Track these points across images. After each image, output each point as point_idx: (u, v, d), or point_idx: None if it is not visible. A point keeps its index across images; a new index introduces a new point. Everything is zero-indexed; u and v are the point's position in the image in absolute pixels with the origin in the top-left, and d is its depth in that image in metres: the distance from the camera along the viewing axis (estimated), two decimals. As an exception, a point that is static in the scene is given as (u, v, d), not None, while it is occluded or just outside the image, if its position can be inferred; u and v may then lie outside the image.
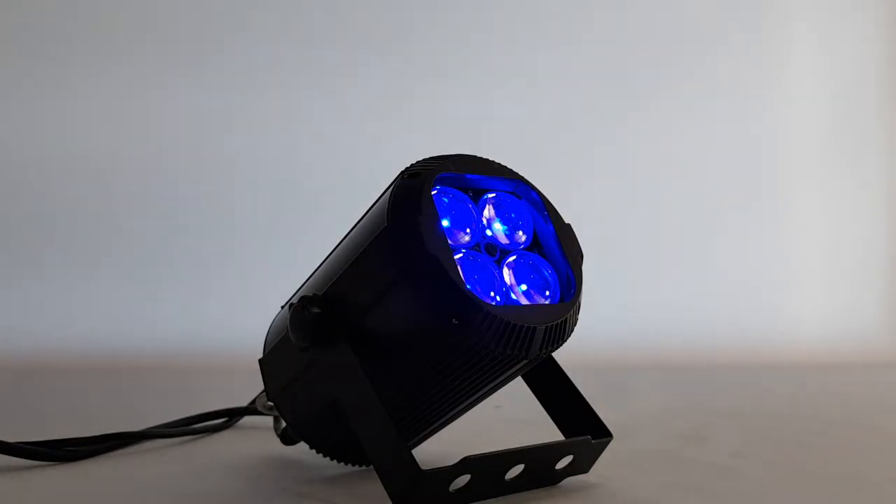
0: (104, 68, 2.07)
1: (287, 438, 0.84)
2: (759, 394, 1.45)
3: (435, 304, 0.57)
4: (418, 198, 0.59)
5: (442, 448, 0.78)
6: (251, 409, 1.05)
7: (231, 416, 1.05)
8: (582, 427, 0.71)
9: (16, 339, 1.93)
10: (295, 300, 0.66)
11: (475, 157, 0.66)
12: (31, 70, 2.05)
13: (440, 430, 0.75)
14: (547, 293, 0.65)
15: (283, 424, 0.84)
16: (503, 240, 0.66)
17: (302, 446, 0.81)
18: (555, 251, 0.66)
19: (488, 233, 0.66)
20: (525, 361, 0.62)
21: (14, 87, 2.06)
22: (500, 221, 0.66)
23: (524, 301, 0.64)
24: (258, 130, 2.09)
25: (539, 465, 0.66)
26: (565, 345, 0.63)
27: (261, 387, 0.79)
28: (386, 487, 0.60)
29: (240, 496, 0.70)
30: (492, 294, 0.62)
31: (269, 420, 1.03)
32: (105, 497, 0.70)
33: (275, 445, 0.86)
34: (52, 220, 2.06)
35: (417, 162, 0.64)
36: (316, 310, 0.62)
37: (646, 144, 2.12)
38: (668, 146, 2.12)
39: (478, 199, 0.66)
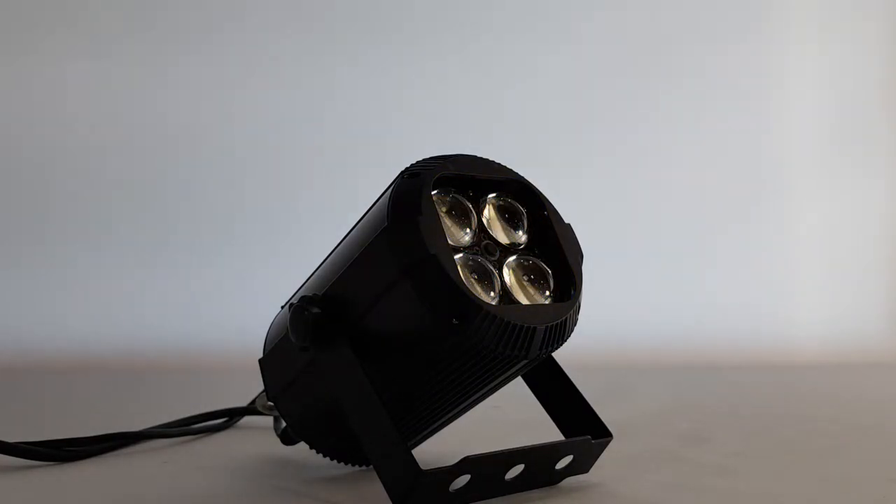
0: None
1: (287, 438, 0.84)
2: (759, 394, 1.45)
3: (435, 305, 0.57)
4: (418, 198, 0.59)
5: (442, 448, 0.78)
6: (251, 409, 1.05)
7: (231, 416, 1.05)
8: (582, 427, 0.71)
9: (16, 339, 1.93)
10: (295, 300, 0.66)
11: (475, 157, 0.66)
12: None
13: (440, 430, 0.75)
14: (547, 293, 0.65)
15: (283, 424, 0.84)
16: (503, 240, 0.66)
17: (302, 446, 0.81)
18: (555, 251, 0.66)
19: (488, 233, 0.66)
20: (525, 361, 0.62)
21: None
22: (500, 221, 0.66)
23: (524, 301, 0.64)
24: (257, 128, 2.09)
25: (539, 465, 0.66)
26: (565, 345, 0.63)
27: (261, 387, 0.79)
28: (386, 487, 0.60)
29: (240, 496, 0.70)
30: (491, 294, 0.62)
31: (269, 420, 1.03)
32: (105, 497, 0.70)
33: (275, 445, 0.86)
34: (51, 220, 2.06)
35: (417, 162, 0.64)
36: (316, 310, 0.62)
37: (647, 145, 2.12)
38: (668, 147, 2.12)
39: (478, 200, 0.66)
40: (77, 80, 2.07)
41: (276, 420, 0.92)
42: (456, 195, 0.64)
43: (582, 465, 0.70)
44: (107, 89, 2.07)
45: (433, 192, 0.61)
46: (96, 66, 2.07)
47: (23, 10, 2.07)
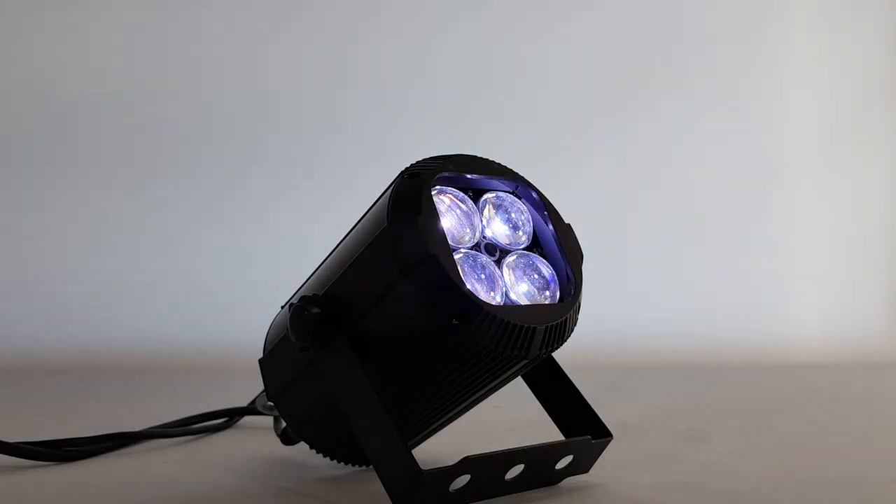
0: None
1: (287, 438, 0.84)
2: (759, 394, 1.45)
3: (435, 305, 0.57)
4: (418, 198, 0.59)
5: (442, 448, 0.78)
6: (251, 409, 1.05)
7: (231, 416, 1.05)
8: (582, 427, 0.71)
9: (16, 339, 1.93)
10: (295, 300, 0.66)
11: (475, 157, 0.66)
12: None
13: (440, 430, 0.75)
14: (547, 293, 0.65)
15: (283, 424, 0.84)
16: (503, 240, 0.66)
17: (302, 446, 0.81)
18: (555, 251, 0.66)
19: (488, 233, 0.66)
20: (525, 361, 0.62)
21: None
22: (500, 221, 0.66)
23: (524, 301, 0.64)
24: (257, 129, 2.09)
25: (539, 465, 0.66)
26: (565, 345, 0.63)
27: (261, 387, 0.80)
28: (386, 487, 0.60)
29: (240, 496, 0.70)
30: (492, 294, 0.62)
31: (269, 420, 1.03)
32: (105, 497, 0.70)
33: (275, 445, 0.86)
34: (52, 220, 2.06)
35: (417, 162, 0.64)
36: (316, 310, 0.62)
37: (646, 145, 2.12)
38: (668, 146, 2.12)
39: (478, 199, 0.66)
40: (67, 71, 2.07)
41: (276, 420, 0.92)
42: (456, 195, 0.65)
43: (582, 465, 0.70)
44: (101, 85, 2.08)
45: (433, 192, 0.61)
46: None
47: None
